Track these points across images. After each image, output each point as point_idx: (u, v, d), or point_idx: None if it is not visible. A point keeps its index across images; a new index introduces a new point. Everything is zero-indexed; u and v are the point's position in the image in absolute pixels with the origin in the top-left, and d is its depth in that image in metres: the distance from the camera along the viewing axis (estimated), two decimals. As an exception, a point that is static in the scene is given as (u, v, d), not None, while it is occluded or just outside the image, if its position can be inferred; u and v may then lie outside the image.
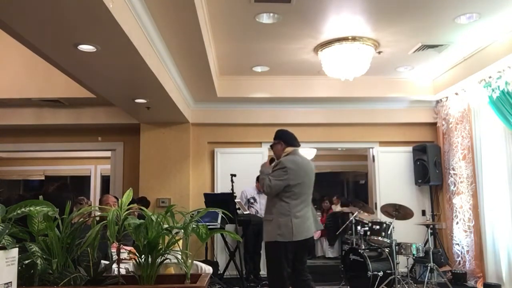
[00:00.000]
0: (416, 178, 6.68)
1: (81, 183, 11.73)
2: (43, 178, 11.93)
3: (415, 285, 5.34)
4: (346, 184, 13.31)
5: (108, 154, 7.33)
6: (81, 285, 1.57)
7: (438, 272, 5.37)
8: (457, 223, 6.10)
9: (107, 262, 1.81)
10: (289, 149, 3.74)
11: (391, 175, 6.82)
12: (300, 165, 3.67)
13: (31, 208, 1.55)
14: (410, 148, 6.76)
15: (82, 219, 1.77)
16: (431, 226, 5.70)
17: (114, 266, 1.80)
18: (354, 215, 5.79)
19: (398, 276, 5.10)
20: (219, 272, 5.89)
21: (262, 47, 5.01)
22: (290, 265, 3.58)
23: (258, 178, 6.29)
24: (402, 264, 5.63)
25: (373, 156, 6.96)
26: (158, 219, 1.66)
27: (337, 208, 8.90)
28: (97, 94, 5.01)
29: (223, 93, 6.18)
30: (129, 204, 1.69)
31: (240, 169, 6.33)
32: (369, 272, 5.06)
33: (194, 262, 1.89)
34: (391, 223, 5.31)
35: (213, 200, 5.59)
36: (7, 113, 6.41)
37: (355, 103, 6.64)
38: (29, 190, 12.19)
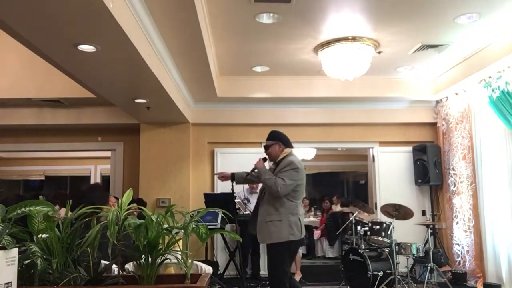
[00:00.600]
0: (416, 178, 6.68)
1: (81, 183, 11.74)
2: (43, 178, 11.94)
3: (415, 285, 5.34)
4: (346, 184, 13.32)
5: (108, 154, 7.33)
6: (81, 285, 1.57)
7: (438, 272, 5.37)
8: (457, 223, 6.10)
9: (107, 262, 1.80)
10: (287, 150, 3.80)
11: (391, 175, 6.82)
12: (302, 166, 3.79)
13: (31, 208, 1.55)
14: (410, 148, 6.76)
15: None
16: (431, 226, 5.70)
17: (114, 266, 1.80)
18: (354, 215, 5.79)
19: (398, 276, 5.10)
20: (219, 272, 5.89)
21: (262, 47, 5.01)
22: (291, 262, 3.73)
23: None
24: (402, 264, 5.63)
25: (373, 156, 6.96)
26: (158, 219, 1.66)
27: (337, 208, 8.90)
28: (97, 94, 5.01)
29: (223, 93, 6.18)
30: (128, 205, 1.69)
31: (240, 169, 6.28)
32: (369, 272, 5.06)
33: (194, 262, 1.88)
34: (391, 223, 5.31)
35: (213, 200, 5.58)
36: (7, 113, 6.41)
37: (355, 103, 6.64)
38: (29, 190, 12.20)
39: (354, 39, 4.68)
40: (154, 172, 6.43)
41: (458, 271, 5.85)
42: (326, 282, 6.00)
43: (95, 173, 11.16)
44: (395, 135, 6.89)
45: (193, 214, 1.78)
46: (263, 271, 6.52)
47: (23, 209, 1.52)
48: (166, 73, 4.63)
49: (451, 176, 6.24)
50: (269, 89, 6.33)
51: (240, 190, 6.31)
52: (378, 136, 6.91)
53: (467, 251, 5.89)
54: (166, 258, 1.71)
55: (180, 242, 1.76)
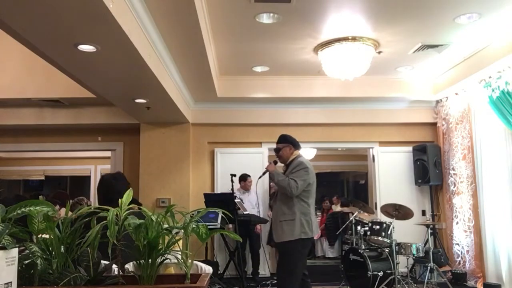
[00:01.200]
0: (416, 178, 6.68)
1: (81, 183, 11.75)
2: (43, 178, 11.94)
3: (415, 285, 5.34)
4: (346, 184, 13.32)
5: (108, 154, 7.33)
6: (81, 285, 1.56)
7: (438, 272, 5.37)
8: (457, 223, 6.10)
9: (107, 262, 1.80)
10: (297, 151, 3.99)
11: (391, 175, 6.82)
12: (311, 166, 3.93)
13: (31, 208, 1.55)
14: (410, 148, 6.76)
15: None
16: (431, 226, 5.70)
17: (114, 266, 1.80)
18: (354, 215, 5.79)
19: (398, 276, 5.10)
20: (219, 272, 5.90)
21: (262, 47, 5.01)
22: (305, 262, 3.85)
23: (242, 178, 6.32)
24: (402, 264, 5.63)
25: (373, 156, 6.97)
26: (158, 219, 1.66)
27: (337, 208, 8.90)
28: (97, 94, 5.01)
29: (223, 93, 6.18)
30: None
31: (240, 169, 6.35)
32: (369, 272, 5.06)
33: (194, 262, 1.88)
34: (391, 223, 5.31)
35: (213, 200, 5.59)
36: (7, 113, 6.41)
37: (355, 103, 6.64)
38: (29, 190, 12.21)
39: (354, 39, 4.68)
40: (154, 172, 6.43)
41: (458, 271, 5.84)
42: (326, 282, 6.00)
43: (95, 173, 11.15)
44: (395, 135, 6.89)
45: (193, 214, 1.78)
46: (263, 271, 6.53)
47: (23, 209, 1.52)
48: (166, 73, 4.63)
49: (451, 176, 6.24)
50: (269, 89, 6.33)
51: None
52: (378, 136, 6.91)
53: (467, 251, 5.89)
54: (166, 258, 1.70)
55: (180, 242, 1.75)
